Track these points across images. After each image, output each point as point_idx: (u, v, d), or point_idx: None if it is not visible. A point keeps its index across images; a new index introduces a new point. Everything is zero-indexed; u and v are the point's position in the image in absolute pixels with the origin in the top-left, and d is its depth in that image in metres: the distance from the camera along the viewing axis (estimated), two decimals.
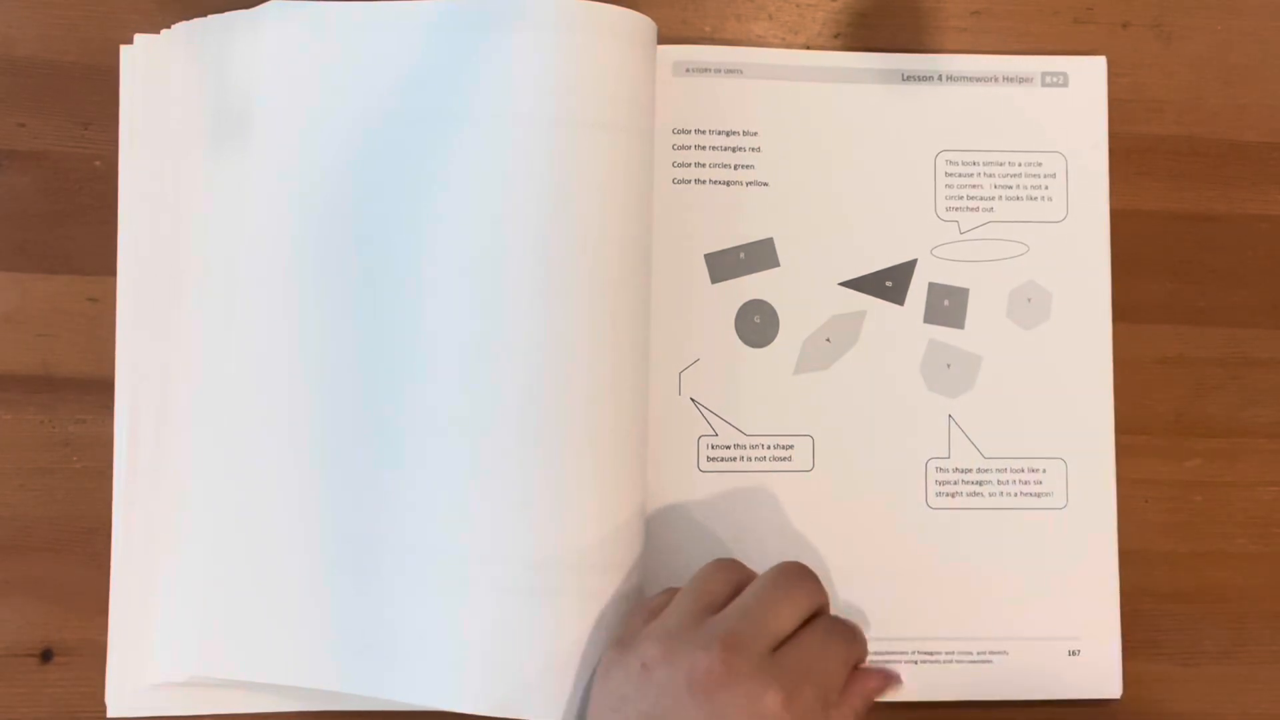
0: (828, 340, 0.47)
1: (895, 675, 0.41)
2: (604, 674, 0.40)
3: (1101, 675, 0.47)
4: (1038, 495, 0.47)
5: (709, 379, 0.47)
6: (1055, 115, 0.48)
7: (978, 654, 0.46)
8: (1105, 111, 0.48)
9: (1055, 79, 0.48)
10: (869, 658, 0.42)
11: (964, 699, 0.46)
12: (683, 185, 0.47)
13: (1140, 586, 0.47)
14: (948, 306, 0.47)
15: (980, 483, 0.47)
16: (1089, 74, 0.48)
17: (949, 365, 0.47)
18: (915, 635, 0.46)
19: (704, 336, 0.47)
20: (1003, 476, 0.47)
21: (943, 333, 0.47)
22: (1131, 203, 0.48)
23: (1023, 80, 0.48)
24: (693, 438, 0.46)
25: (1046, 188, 0.48)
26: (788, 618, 0.39)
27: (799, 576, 0.40)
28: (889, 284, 0.47)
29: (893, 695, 0.40)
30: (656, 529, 0.46)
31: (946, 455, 0.47)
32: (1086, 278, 0.48)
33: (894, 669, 0.42)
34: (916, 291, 0.47)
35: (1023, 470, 0.47)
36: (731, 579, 0.41)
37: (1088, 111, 0.48)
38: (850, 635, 0.40)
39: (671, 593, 0.42)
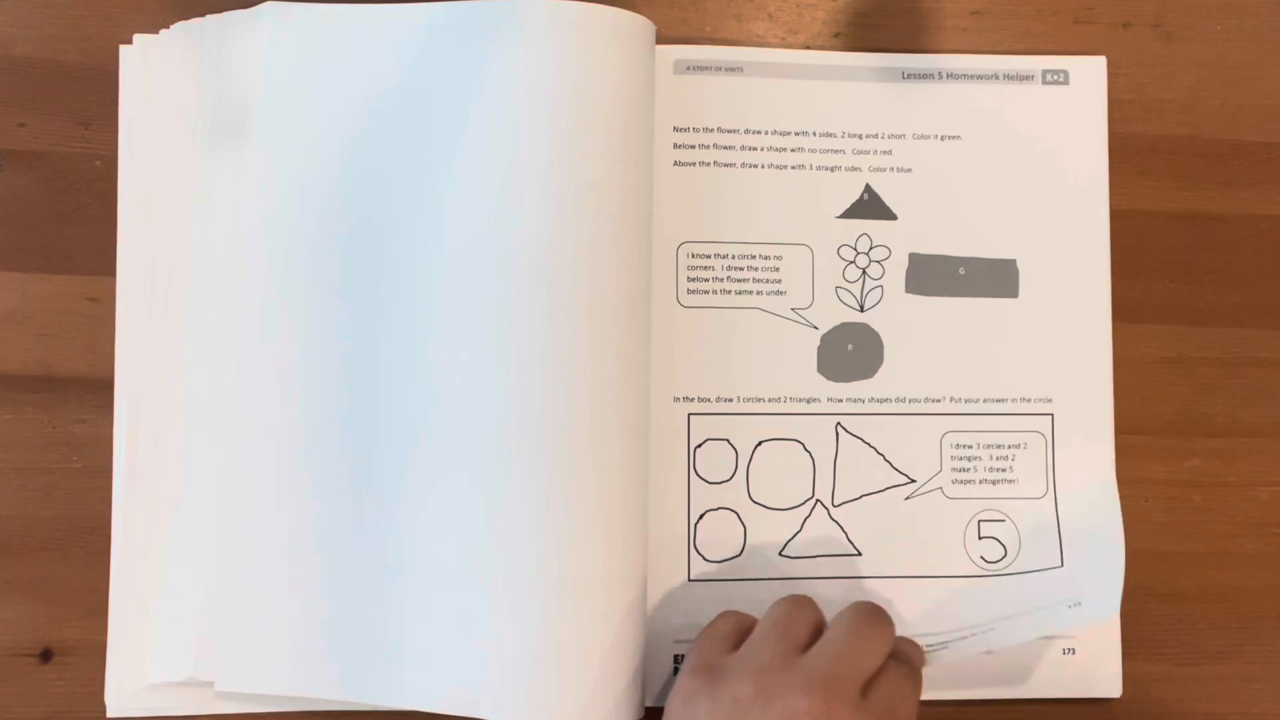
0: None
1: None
2: (687, 703, 0.39)
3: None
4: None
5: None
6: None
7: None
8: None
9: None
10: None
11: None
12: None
13: (1140, 586, 0.47)
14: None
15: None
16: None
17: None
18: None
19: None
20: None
21: None
22: (1131, 203, 0.48)
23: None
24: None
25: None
26: (875, 660, 0.39)
27: (877, 618, 0.41)
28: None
29: None
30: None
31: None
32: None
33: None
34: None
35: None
36: (812, 618, 0.41)
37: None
38: (917, 676, 0.41)
39: (735, 619, 0.42)
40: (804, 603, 0.42)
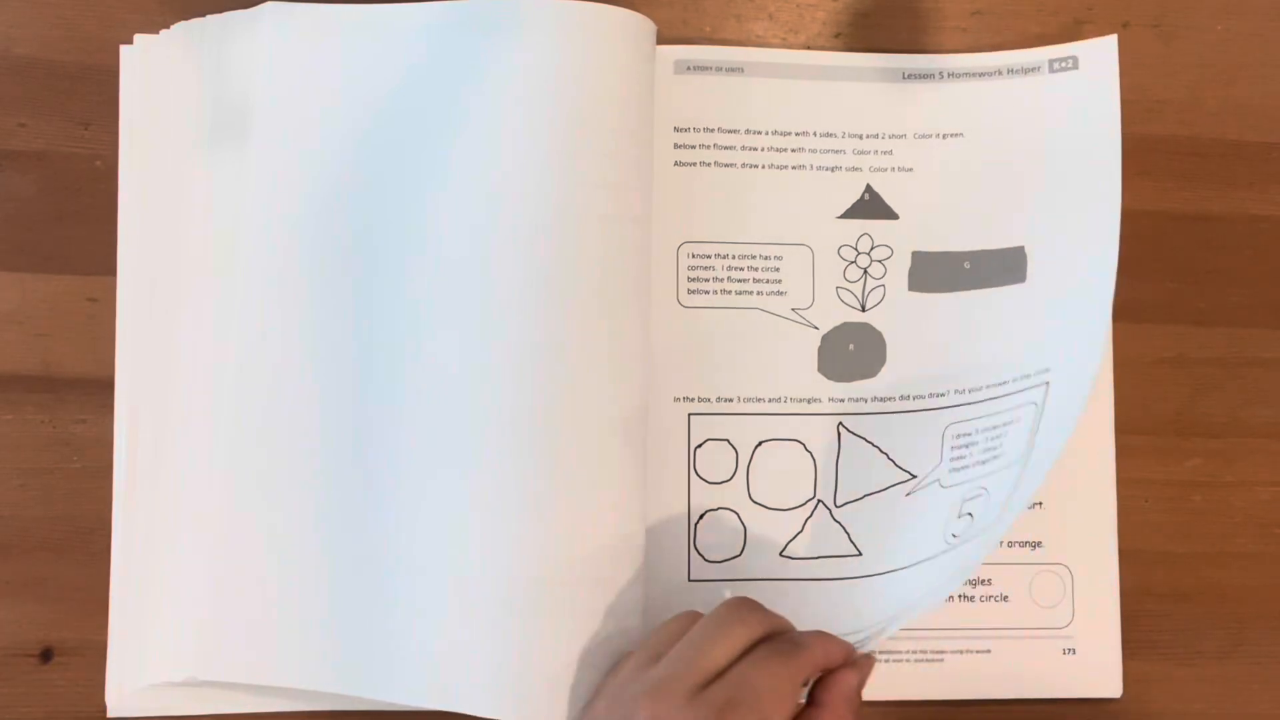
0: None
1: (867, 660, 0.41)
2: None
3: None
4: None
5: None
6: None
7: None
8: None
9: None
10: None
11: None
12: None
13: (1140, 586, 0.47)
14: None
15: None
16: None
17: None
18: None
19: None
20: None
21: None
22: (1131, 203, 0.48)
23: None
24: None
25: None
26: (721, 654, 0.39)
27: (736, 610, 0.40)
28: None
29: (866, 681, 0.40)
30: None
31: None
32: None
33: (866, 654, 0.42)
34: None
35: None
36: (679, 628, 0.41)
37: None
38: (790, 651, 0.39)
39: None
40: (680, 616, 0.41)
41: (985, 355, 0.47)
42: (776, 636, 0.40)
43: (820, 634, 0.41)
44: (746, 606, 0.40)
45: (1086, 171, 0.47)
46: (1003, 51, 0.48)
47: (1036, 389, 0.46)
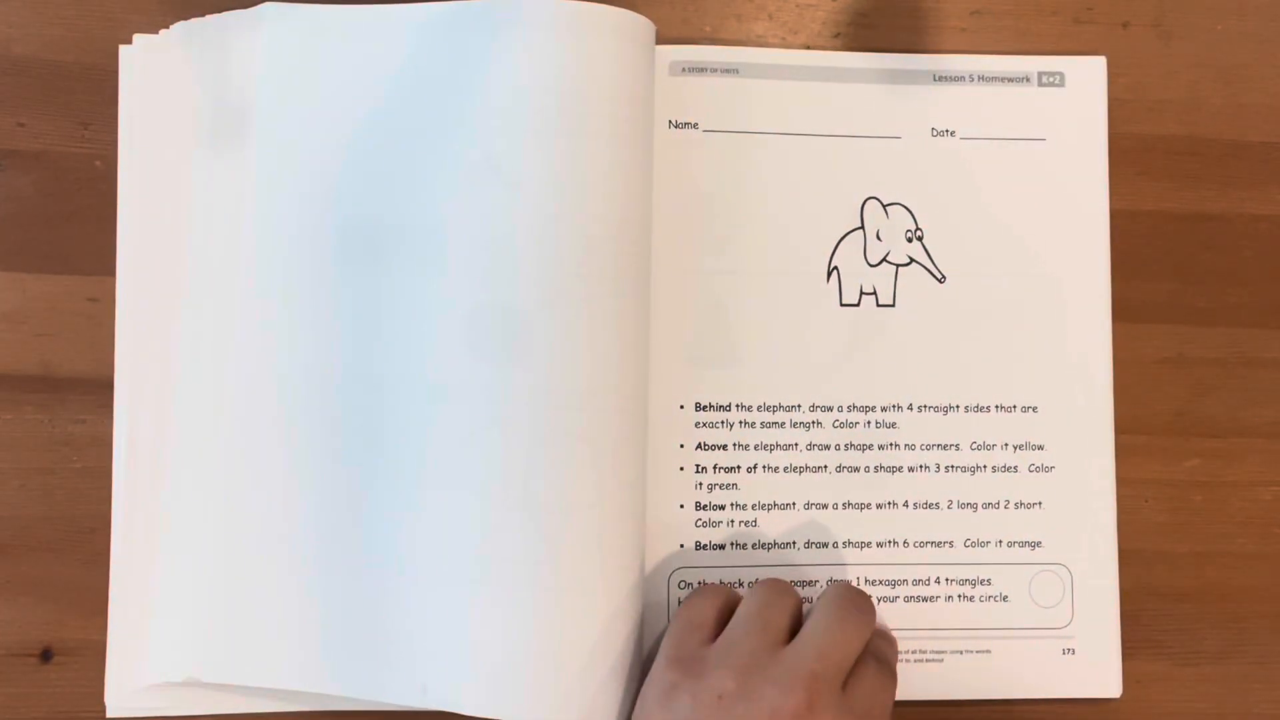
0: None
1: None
2: (666, 696, 0.40)
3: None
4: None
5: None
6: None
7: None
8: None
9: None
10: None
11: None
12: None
13: (1140, 586, 0.47)
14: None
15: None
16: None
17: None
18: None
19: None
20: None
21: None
22: (1131, 203, 0.48)
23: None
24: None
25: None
26: (854, 651, 0.40)
27: (857, 606, 0.41)
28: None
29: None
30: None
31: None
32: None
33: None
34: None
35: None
36: (792, 606, 0.41)
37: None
38: (893, 673, 0.41)
39: (711, 601, 0.42)
40: (783, 589, 0.42)
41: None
42: (872, 640, 0.42)
43: (889, 639, 0.44)
44: (864, 600, 0.41)
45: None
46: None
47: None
